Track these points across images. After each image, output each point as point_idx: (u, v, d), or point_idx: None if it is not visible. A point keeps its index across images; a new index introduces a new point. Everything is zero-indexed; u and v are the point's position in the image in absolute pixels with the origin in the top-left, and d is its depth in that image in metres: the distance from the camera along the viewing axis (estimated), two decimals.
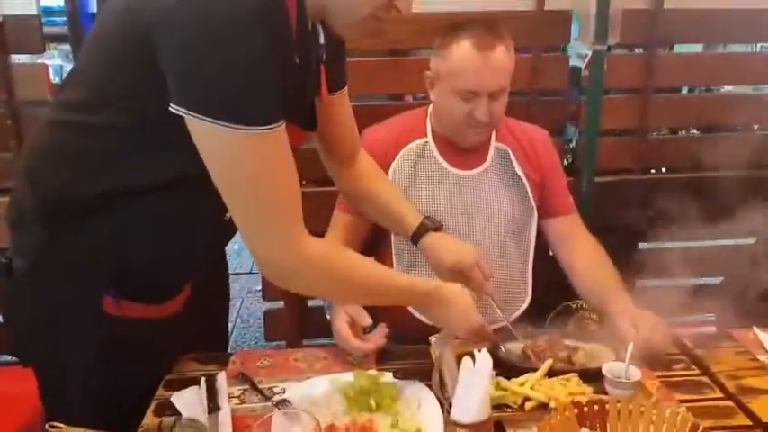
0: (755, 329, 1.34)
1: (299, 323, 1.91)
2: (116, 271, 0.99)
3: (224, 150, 0.83)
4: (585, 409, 0.94)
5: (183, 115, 0.81)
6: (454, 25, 1.34)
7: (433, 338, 0.97)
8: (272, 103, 0.84)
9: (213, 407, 1.02)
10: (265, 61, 0.81)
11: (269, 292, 1.96)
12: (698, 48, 2.45)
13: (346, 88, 1.17)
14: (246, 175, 0.86)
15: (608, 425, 0.93)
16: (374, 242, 1.52)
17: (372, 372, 1.12)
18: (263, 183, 0.87)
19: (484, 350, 0.86)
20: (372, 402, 1.02)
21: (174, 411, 1.02)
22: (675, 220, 1.79)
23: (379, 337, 1.22)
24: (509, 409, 1.05)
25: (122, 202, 0.95)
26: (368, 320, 1.22)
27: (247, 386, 1.13)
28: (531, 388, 1.07)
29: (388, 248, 1.48)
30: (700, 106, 2.09)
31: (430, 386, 1.09)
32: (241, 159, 0.84)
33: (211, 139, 0.82)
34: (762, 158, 1.88)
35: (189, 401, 1.03)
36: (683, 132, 2.17)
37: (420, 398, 1.06)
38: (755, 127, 2.17)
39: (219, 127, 0.80)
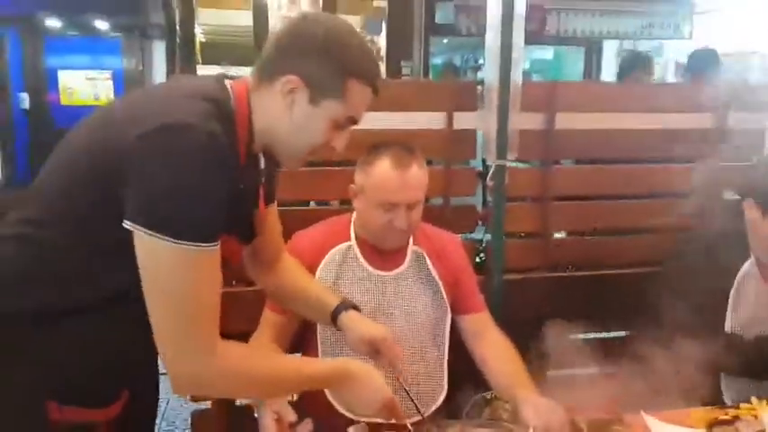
0: (643, 414, 1.49)
1: (227, 423, 1.92)
2: (58, 382, 1.03)
3: (161, 262, 0.93)
4: None
5: (134, 230, 0.92)
6: (376, 145, 1.54)
7: (350, 430, 1.06)
8: (213, 225, 0.96)
9: None
10: (213, 190, 0.94)
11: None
12: None
13: (275, 202, 1.32)
14: (177, 289, 0.95)
15: None
16: (302, 338, 1.62)
17: None
18: (191, 297, 0.96)
19: None
20: None
21: None
22: (576, 315, 1.99)
23: (306, 431, 1.29)
24: None
25: (65, 317, 1.02)
26: (293, 416, 1.29)
27: None
28: None
29: (314, 342, 1.58)
30: (594, 213, 2.37)
31: None
32: (175, 272, 0.94)
33: (152, 251, 0.93)
34: (647, 257, 2.14)
35: None
36: (581, 235, 2.42)
37: None
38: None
39: (162, 241, 0.91)
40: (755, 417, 1.41)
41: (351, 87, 1.05)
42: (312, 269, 1.56)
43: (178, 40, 6.02)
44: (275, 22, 7.01)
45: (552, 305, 2.09)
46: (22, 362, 1.02)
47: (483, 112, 1.99)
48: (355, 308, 1.43)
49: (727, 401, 1.65)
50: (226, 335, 1.04)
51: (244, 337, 1.49)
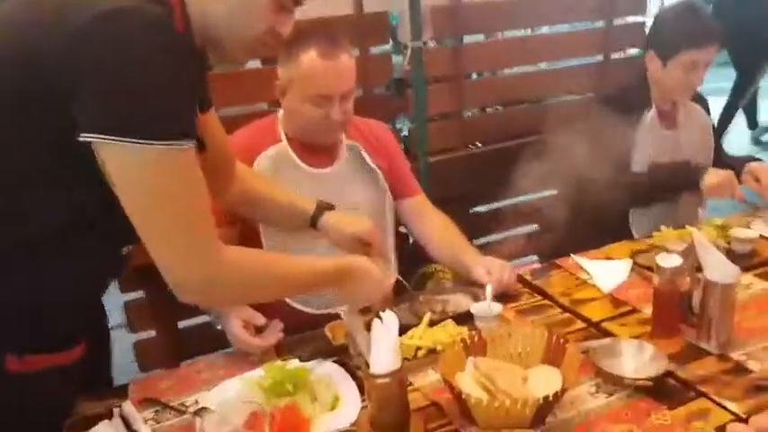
0: (573, 256, 1.66)
1: (174, 348, 1.91)
2: (11, 332, 0.96)
3: (140, 170, 0.84)
4: (469, 342, 1.14)
5: (97, 140, 0.81)
6: (296, 37, 1.40)
7: (342, 313, 1.09)
8: (190, 119, 0.88)
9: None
10: (182, 79, 0.84)
11: (138, 323, 1.91)
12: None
13: (213, 107, 1.21)
14: (164, 194, 0.87)
15: (487, 351, 1.14)
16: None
17: (279, 362, 1.21)
18: (182, 200, 0.88)
19: (388, 311, 1.00)
20: (289, 386, 1.12)
21: None
22: (495, 185, 2.11)
23: (276, 331, 1.30)
24: (405, 360, 1.21)
25: (19, 254, 0.92)
26: (262, 320, 1.30)
27: (158, 408, 1.15)
28: (420, 338, 1.26)
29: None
30: (503, 86, 2.46)
31: (334, 361, 1.23)
32: (158, 177, 0.85)
33: (128, 160, 0.83)
34: (554, 124, 2.28)
35: None
36: (490, 110, 2.52)
37: (328, 372, 1.19)
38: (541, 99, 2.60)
39: (137, 146, 0.81)
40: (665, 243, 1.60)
41: None
42: None
43: None
44: None
45: (472, 179, 2.21)
46: None
47: None
48: (330, 207, 1.41)
49: (635, 235, 1.85)
50: None
51: None
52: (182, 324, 1.95)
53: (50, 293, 0.98)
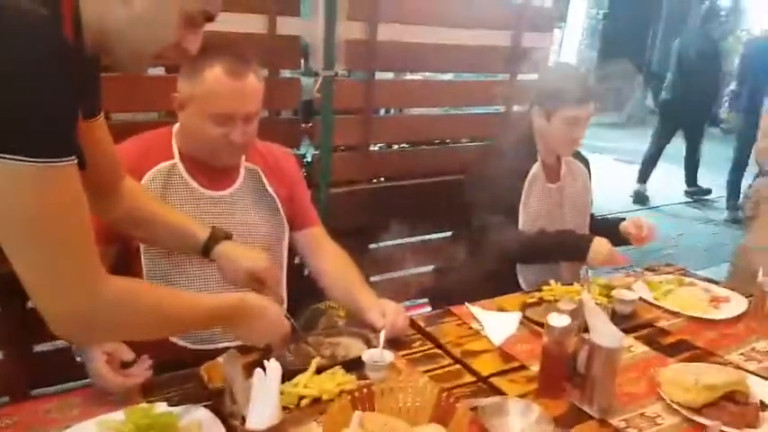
0: (467, 305, 1.66)
1: (25, 373, 1.68)
2: None
3: (12, 189, 0.72)
4: (357, 394, 1.08)
5: None
6: (203, 51, 1.32)
7: (221, 358, 0.99)
8: (69, 133, 0.77)
9: None
10: (60, 87, 0.73)
11: None
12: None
13: (102, 114, 1.09)
14: (39, 217, 0.75)
15: (375, 404, 1.09)
16: (124, 269, 1.44)
17: (144, 405, 1.09)
18: (59, 223, 0.77)
19: (273, 359, 0.92)
20: None
21: None
22: (395, 222, 2.09)
23: (143, 369, 1.17)
24: (286, 410, 1.12)
25: None
26: (130, 354, 1.16)
27: None
28: (305, 386, 1.18)
29: (138, 272, 1.42)
30: (409, 125, 2.47)
31: (206, 406, 1.11)
32: (33, 197, 0.74)
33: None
34: (454, 167, 2.32)
35: None
36: (396, 147, 2.52)
37: (199, 420, 1.07)
38: (447, 141, 2.66)
39: (8, 162, 0.70)
40: (555, 300, 1.64)
41: None
42: None
43: None
44: None
45: (373, 214, 2.18)
46: None
47: (308, 18, 1.89)
48: (228, 237, 1.31)
49: (524, 287, 1.91)
50: None
51: None
52: (38, 348, 1.72)
53: None
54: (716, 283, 1.90)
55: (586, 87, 1.92)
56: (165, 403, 1.10)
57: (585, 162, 2.18)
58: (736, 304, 1.71)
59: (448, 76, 2.86)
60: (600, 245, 1.84)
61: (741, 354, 1.48)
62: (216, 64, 1.32)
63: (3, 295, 1.60)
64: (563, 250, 1.92)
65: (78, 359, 1.18)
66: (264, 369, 0.89)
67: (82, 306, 0.82)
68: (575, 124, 1.91)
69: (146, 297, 0.94)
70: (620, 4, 9.56)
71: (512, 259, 1.96)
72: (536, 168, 1.98)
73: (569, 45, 9.35)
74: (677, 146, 6.56)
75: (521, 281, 1.96)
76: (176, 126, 1.47)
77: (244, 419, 0.88)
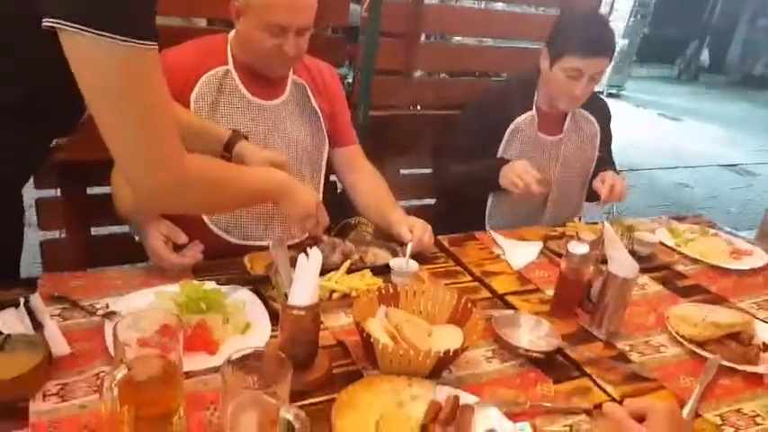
0: (490, 231, 1.74)
1: (83, 253, 1.84)
2: None
3: (110, 66, 0.80)
4: (383, 291, 1.19)
5: (65, 28, 0.77)
6: None
7: (269, 243, 1.09)
8: (153, 22, 0.84)
9: (37, 324, 1.02)
10: None
11: (46, 221, 1.82)
12: None
13: None
14: (133, 93, 0.84)
15: (399, 303, 1.19)
16: None
17: (195, 282, 1.21)
18: (150, 100, 0.86)
19: (315, 247, 1.02)
20: (203, 305, 1.12)
21: None
22: (435, 146, 2.15)
23: (196, 251, 1.30)
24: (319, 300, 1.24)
25: None
26: (184, 238, 1.29)
27: (66, 305, 1.13)
28: (336, 282, 1.29)
29: None
30: (453, 53, 2.48)
31: (250, 289, 1.24)
32: (128, 74, 0.82)
33: (96, 54, 0.79)
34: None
35: (10, 322, 1.01)
36: (436, 76, 2.55)
37: (243, 299, 1.20)
38: (489, 73, 2.67)
39: (108, 40, 0.78)
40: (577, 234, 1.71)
41: None
42: (184, 92, 1.46)
43: None
44: None
45: (410, 141, 2.24)
46: None
47: None
48: (246, 137, 1.40)
49: (487, 226, 1.90)
50: None
51: None
52: (94, 231, 1.88)
53: None
54: (741, 237, 1.93)
55: (601, 40, 1.74)
56: (214, 282, 1.22)
57: (602, 107, 2.02)
58: (758, 258, 1.75)
59: (499, 5, 2.81)
60: (513, 167, 1.74)
61: (754, 303, 1.53)
62: None
63: (65, 181, 1.74)
64: (482, 177, 1.82)
65: (137, 239, 1.30)
66: (307, 255, 0.99)
67: (168, 179, 0.92)
68: (575, 78, 1.74)
69: (217, 172, 1.05)
70: None
71: (452, 194, 1.97)
72: (524, 118, 1.86)
73: None
74: (713, 105, 6.32)
75: (486, 221, 1.93)
76: (232, 33, 1.53)
77: (286, 296, 0.99)
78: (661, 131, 7.22)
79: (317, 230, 1.34)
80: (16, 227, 1.24)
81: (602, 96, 2.03)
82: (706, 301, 1.48)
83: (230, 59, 1.52)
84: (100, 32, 0.78)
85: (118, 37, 0.79)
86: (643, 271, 1.57)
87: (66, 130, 0.96)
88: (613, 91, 8.95)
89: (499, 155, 1.88)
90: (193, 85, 1.48)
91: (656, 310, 1.42)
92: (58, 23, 0.77)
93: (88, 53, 0.80)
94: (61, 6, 0.77)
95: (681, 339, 1.28)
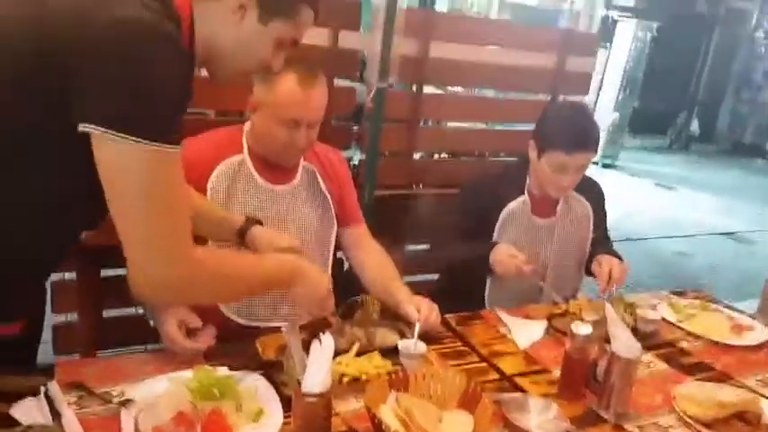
0: (496, 309, 1.77)
1: (94, 336, 1.86)
2: None
3: (135, 166, 0.87)
4: (393, 376, 1.21)
5: (97, 133, 0.84)
6: None
7: (283, 327, 1.13)
8: (178, 126, 0.92)
9: (55, 414, 1.04)
10: (178, 89, 0.90)
11: (60, 304, 1.85)
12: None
13: None
14: (153, 191, 0.90)
15: (409, 387, 1.21)
16: None
17: (208, 367, 1.23)
18: (168, 198, 0.92)
19: (327, 333, 1.06)
20: (216, 392, 1.14)
21: (14, 423, 1.00)
22: (432, 227, 2.21)
23: (209, 336, 1.33)
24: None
25: None
26: (198, 322, 1.32)
27: (82, 393, 1.15)
28: (346, 366, 1.31)
29: None
30: (452, 136, 2.60)
31: (262, 374, 1.26)
32: (150, 174, 0.89)
33: (122, 154, 0.86)
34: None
35: (29, 412, 1.03)
36: (437, 156, 2.66)
37: (255, 384, 1.22)
38: (486, 154, 2.78)
39: (133, 143, 0.85)
40: (580, 312, 1.74)
41: (301, 10, 1.06)
42: (202, 179, 1.54)
43: None
44: None
45: (414, 219, 2.32)
46: None
47: (367, 34, 2.04)
48: (259, 222, 1.46)
49: (487, 305, 1.91)
50: None
51: None
52: (106, 313, 1.91)
53: (7, 264, 0.99)
54: (741, 312, 1.95)
55: (582, 136, 1.80)
56: (226, 368, 1.24)
57: (594, 190, 2.06)
58: (759, 334, 1.77)
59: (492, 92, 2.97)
60: (497, 252, 1.77)
61: (759, 380, 1.54)
62: (289, 74, 1.46)
63: (80, 264, 1.79)
64: (476, 262, 1.83)
65: (152, 323, 1.34)
66: (320, 341, 1.03)
67: (182, 273, 0.97)
68: (561, 171, 1.80)
69: (230, 265, 1.10)
70: (670, 30, 9.49)
71: (451, 272, 2.00)
72: (517, 203, 1.91)
73: (615, 66, 9.32)
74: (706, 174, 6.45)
75: (486, 299, 1.93)
76: (247, 124, 1.63)
77: (299, 383, 1.02)
78: (657, 201, 7.35)
79: (324, 314, 1.38)
80: (39, 317, 1.28)
81: (593, 178, 2.09)
82: (711, 379, 1.49)
83: (245, 149, 1.61)
84: (130, 137, 0.85)
85: (147, 141, 0.86)
86: (647, 348, 1.59)
87: (94, 226, 1.02)
88: (608, 161, 9.17)
89: (494, 238, 1.93)
90: (210, 174, 1.57)
91: (662, 389, 1.43)
92: (93, 128, 0.85)
93: (117, 155, 0.87)
94: (96, 113, 0.85)
95: (688, 420, 1.29)
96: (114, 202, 0.91)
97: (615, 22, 9.63)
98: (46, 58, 0.85)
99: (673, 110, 11.77)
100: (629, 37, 9.19)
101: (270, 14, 1.03)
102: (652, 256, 5.32)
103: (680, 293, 2.08)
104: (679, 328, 1.79)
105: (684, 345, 1.69)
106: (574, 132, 1.80)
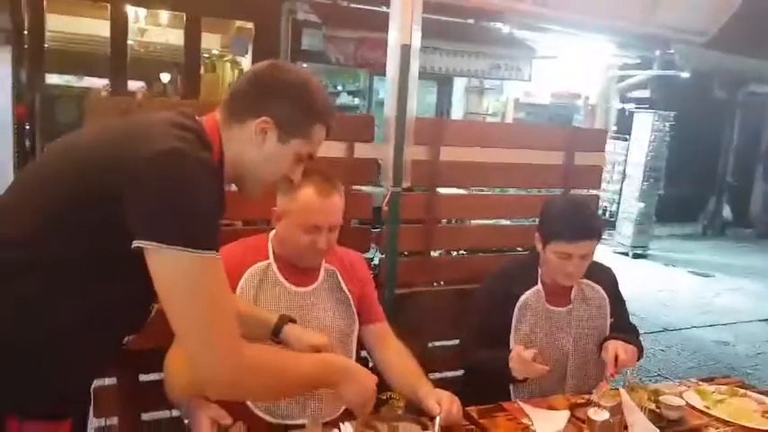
0: (518, 401, 1.79)
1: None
2: (20, 396, 1.06)
3: (184, 274, 1.01)
4: None
5: (149, 247, 0.99)
6: None
7: (306, 421, 1.19)
8: (217, 236, 1.07)
9: None
10: (216, 205, 1.06)
11: (102, 409, 1.93)
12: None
13: None
14: (202, 296, 1.03)
15: None
16: None
17: None
18: (215, 303, 1.05)
19: (347, 424, 1.12)
20: None
21: None
22: (453, 325, 2.26)
23: None
24: None
25: (44, 338, 1.05)
26: (229, 420, 1.39)
27: None
28: None
29: None
30: (468, 234, 2.72)
31: None
32: (201, 280, 1.02)
33: (173, 264, 1.00)
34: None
35: None
36: (455, 253, 2.76)
37: None
38: (504, 249, 2.87)
39: (182, 252, 0.99)
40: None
41: (315, 130, 1.23)
42: (232, 283, 1.66)
43: (26, 45, 5.61)
44: (133, 35, 6.81)
45: (433, 314, 2.38)
46: None
47: (381, 143, 2.22)
48: (293, 321, 1.57)
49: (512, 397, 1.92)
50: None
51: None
52: (145, 416, 1.98)
53: (59, 370, 1.10)
54: None
55: (581, 227, 1.88)
56: None
57: (607, 275, 2.11)
58: None
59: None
60: (513, 361, 1.81)
61: None
62: (308, 185, 1.62)
63: (118, 370, 1.89)
64: (498, 373, 1.86)
65: (186, 422, 1.41)
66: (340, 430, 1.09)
67: (231, 368, 1.07)
68: (566, 259, 1.88)
69: (277, 361, 1.20)
70: (689, 117, 9.70)
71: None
72: (531, 292, 1.97)
73: (636, 156, 9.48)
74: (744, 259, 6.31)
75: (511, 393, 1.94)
76: (272, 232, 1.77)
77: None
78: (693, 289, 7.18)
79: (366, 412, 1.43)
80: (85, 418, 1.37)
81: (605, 264, 2.14)
82: None
83: (271, 255, 1.75)
84: (179, 248, 0.99)
85: (192, 250, 1.00)
86: None
87: (137, 330, 1.15)
88: (639, 251, 9.10)
89: (512, 331, 1.98)
90: (239, 278, 1.69)
91: None
92: (147, 244, 0.99)
93: (168, 264, 1.01)
94: (147, 230, 1.00)
95: None
96: (169, 306, 1.04)
97: (632, 113, 9.92)
98: (96, 195, 1.01)
99: (701, 196, 11.75)
100: (647, 127, 9.40)
101: (288, 135, 1.20)
102: (691, 346, 5.15)
103: (709, 380, 2.06)
104: (706, 414, 1.76)
105: (712, 431, 1.67)
106: (574, 224, 1.89)
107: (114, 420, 1.94)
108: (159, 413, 1.92)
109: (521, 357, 1.80)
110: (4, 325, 1.04)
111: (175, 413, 1.53)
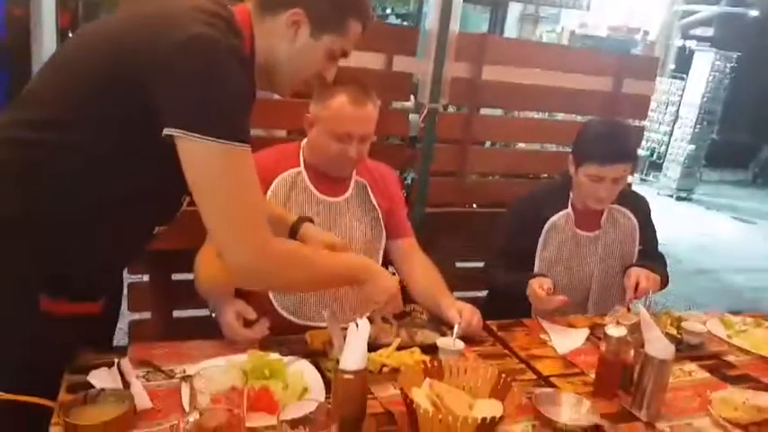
0: (538, 318, 1.82)
1: (166, 332, 2.05)
2: (52, 274, 1.11)
3: (214, 164, 1.03)
4: (429, 365, 1.29)
5: (181, 135, 1.00)
6: (333, 81, 1.62)
7: (325, 314, 1.25)
8: (248, 128, 1.08)
9: (125, 383, 1.19)
10: (246, 96, 1.06)
11: (135, 303, 2.06)
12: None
13: None
14: (231, 186, 1.05)
15: (444, 377, 1.29)
16: None
17: (261, 353, 1.36)
18: (243, 193, 1.07)
19: (364, 318, 1.17)
20: (267, 372, 1.27)
21: (91, 387, 1.16)
22: (481, 247, 2.27)
23: (263, 327, 1.46)
24: (370, 373, 1.35)
25: (79, 221, 1.10)
26: (253, 314, 1.45)
27: (150, 369, 1.30)
28: (387, 357, 1.41)
29: None
30: (503, 157, 2.69)
31: (310, 361, 1.37)
32: (230, 169, 1.04)
33: (203, 154, 1.02)
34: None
35: (103, 379, 1.18)
36: (490, 177, 2.74)
37: (302, 369, 1.33)
38: (544, 175, 2.83)
39: (213, 143, 1.01)
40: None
41: (349, 25, 1.19)
42: (263, 189, 1.69)
43: None
44: None
45: (463, 237, 2.40)
46: (20, 254, 1.09)
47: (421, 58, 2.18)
48: (311, 221, 1.59)
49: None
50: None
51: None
52: (176, 313, 2.09)
53: (94, 253, 1.16)
54: None
55: (615, 150, 1.86)
56: (277, 354, 1.37)
57: (640, 201, 2.09)
58: None
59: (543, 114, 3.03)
60: (531, 298, 1.80)
61: None
62: (342, 93, 1.62)
63: (151, 268, 1.99)
64: (518, 295, 1.85)
65: (213, 315, 1.49)
66: (357, 325, 1.14)
67: (259, 257, 1.11)
68: (597, 182, 1.87)
69: (305, 253, 1.23)
70: (752, 60, 9.14)
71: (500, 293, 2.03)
72: (560, 216, 1.97)
73: (691, 98, 9.06)
74: None
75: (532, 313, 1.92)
76: (304, 141, 1.79)
77: (338, 362, 1.13)
78: (734, 235, 7.01)
79: (396, 311, 1.47)
80: (117, 304, 1.46)
81: (639, 193, 2.12)
82: (754, 390, 1.47)
83: (302, 162, 1.77)
84: (209, 138, 1.01)
85: (222, 140, 1.01)
86: (691, 359, 1.60)
87: (168, 220, 1.19)
88: (683, 194, 8.86)
89: (538, 253, 1.98)
90: (270, 184, 1.72)
91: (701, 395, 1.43)
92: (177, 132, 1.01)
93: (198, 154, 1.02)
94: (177, 118, 1.01)
95: (723, 422, 1.29)
96: (199, 194, 1.06)
97: (692, 52, 9.40)
98: (127, 81, 1.02)
99: (755, 143, 11.24)
100: (706, 67, 8.93)
101: (321, 30, 1.17)
102: (726, 290, 5.09)
103: (736, 313, 2.04)
104: (727, 342, 1.77)
105: (731, 358, 1.68)
106: (607, 146, 1.87)
107: (147, 315, 2.06)
108: (189, 311, 2.03)
109: (536, 296, 1.79)
110: (43, 202, 1.09)
111: (204, 312, 1.61)
